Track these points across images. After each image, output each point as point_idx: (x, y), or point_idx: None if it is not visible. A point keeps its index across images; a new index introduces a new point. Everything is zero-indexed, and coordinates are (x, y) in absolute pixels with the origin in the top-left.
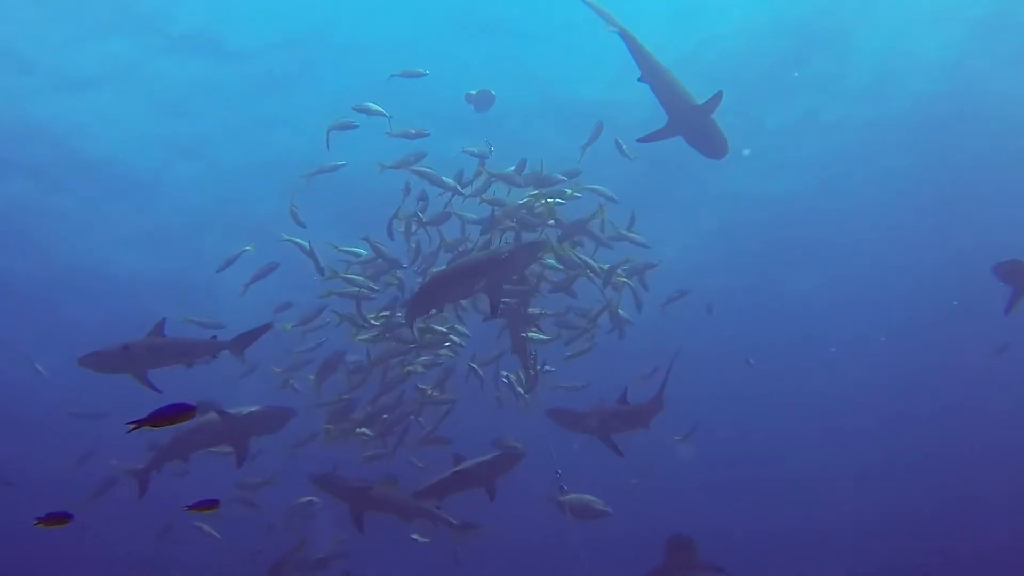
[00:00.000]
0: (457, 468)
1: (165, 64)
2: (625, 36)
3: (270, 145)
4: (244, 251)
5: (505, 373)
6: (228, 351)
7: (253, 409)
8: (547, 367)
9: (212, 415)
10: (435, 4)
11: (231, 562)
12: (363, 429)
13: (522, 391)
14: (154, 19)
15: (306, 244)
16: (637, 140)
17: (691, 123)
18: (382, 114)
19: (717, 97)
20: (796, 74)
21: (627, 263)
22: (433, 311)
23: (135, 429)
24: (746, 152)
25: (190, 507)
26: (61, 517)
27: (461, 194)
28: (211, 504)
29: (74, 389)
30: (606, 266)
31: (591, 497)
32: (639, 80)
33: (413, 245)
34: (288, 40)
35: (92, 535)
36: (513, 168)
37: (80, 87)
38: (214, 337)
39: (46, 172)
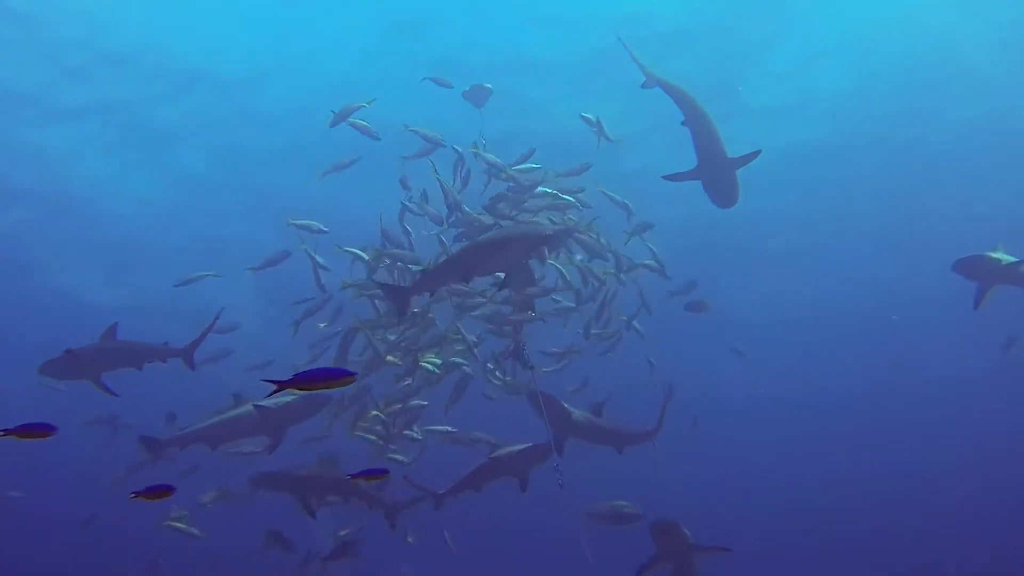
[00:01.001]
0: (491, 456)
1: (153, 94)
2: (666, 87)
3: (258, 171)
4: (208, 275)
5: (492, 366)
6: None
7: (288, 399)
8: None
9: (247, 407)
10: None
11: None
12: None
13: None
14: (146, 51)
15: (316, 255)
16: (662, 177)
17: (718, 172)
18: (363, 105)
19: (752, 154)
20: (740, 88)
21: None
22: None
23: (280, 391)
24: None
25: (355, 475)
26: (163, 490)
27: (461, 210)
28: (380, 473)
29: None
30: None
31: (622, 502)
32: (682, 124)
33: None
34: (276, 72)
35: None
36: (523, 156)
37: (68, 117)
38: (166, 343)
39: (39, 200)
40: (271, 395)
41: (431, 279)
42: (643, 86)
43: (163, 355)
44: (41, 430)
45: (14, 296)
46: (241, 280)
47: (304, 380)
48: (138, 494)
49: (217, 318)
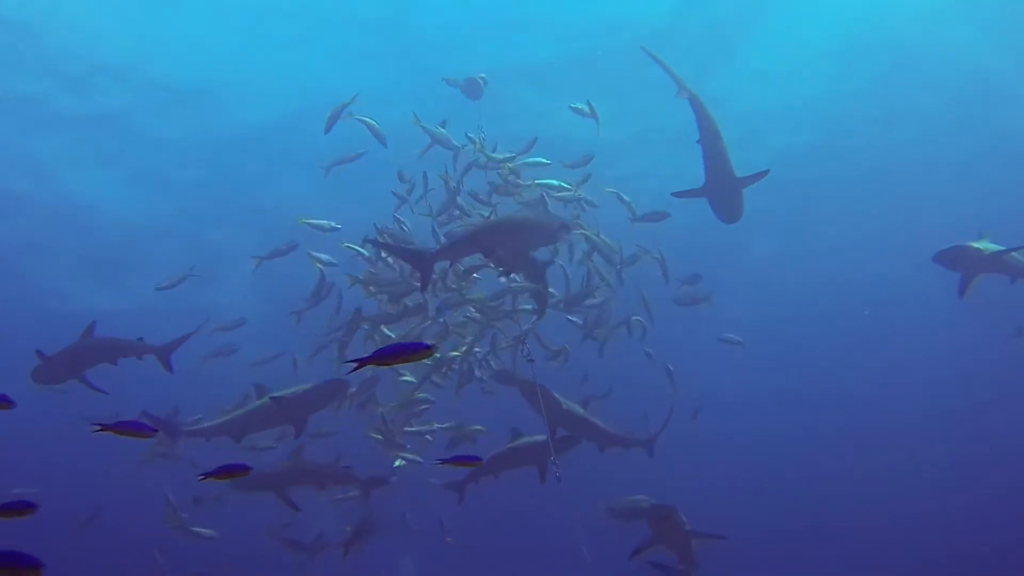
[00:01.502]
0: (512, 444)
1: (149, 104)
2: (695, 103)
3: (254, 177)
4: (188, 275)
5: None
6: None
7: (306, 387)
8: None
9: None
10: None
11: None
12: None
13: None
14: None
15: (325, 258)
16: (672, 194)
17: (725, 190)
18: (348, 103)
19: (759, 175)
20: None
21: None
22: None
23: (358, 368)
24: None
25: (444, 461)
26: (239, 470)
27: (465, 213)
28: (473, 460)
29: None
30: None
31: (640, 496)
32: (696, 142)
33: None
34: (272, 81)
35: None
36: (525, 146)
37: (65, 126)
38: (141, 339)
39: (36, 207)
40: (351, 372)
41: (455, 248)
42: (676, 95)
43: (139, 351)
44: (142, 430)
45: (14, 297)
46: (240, 281)
47: (383, 355)
48: (208, 475)
49: (203, 323)
